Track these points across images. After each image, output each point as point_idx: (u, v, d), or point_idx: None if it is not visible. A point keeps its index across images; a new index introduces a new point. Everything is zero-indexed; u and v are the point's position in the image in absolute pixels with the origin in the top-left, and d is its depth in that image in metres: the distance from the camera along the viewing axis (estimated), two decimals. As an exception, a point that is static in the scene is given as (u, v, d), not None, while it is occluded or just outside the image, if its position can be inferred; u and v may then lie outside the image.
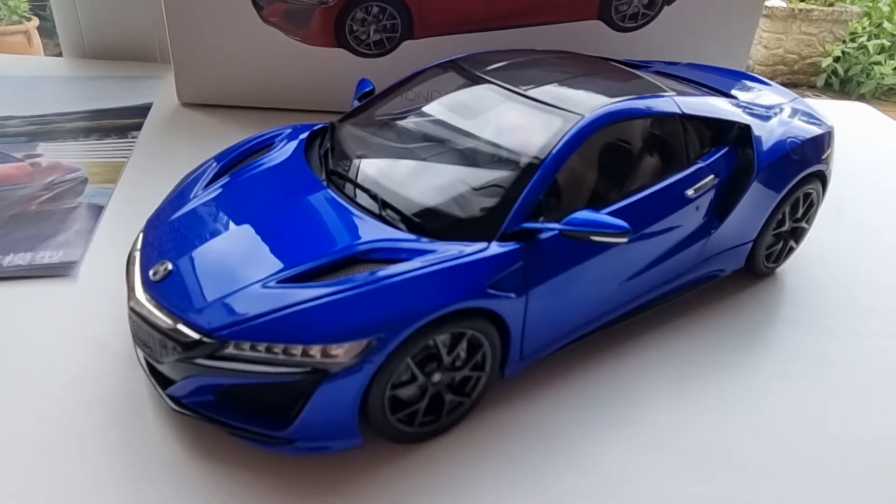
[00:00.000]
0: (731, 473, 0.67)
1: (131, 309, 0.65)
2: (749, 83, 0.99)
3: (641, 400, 0.74)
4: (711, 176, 0.80)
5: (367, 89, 0.92)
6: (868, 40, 4.55)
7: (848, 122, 1.45)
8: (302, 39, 1.25)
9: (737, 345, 0.83)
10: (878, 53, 4.53)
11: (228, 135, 1.11)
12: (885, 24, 4.57)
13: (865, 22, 4.64)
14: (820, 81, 4.68)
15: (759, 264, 0.91)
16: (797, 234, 0.94)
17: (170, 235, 0.71)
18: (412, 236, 0.66)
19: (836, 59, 4.62)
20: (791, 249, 0.95)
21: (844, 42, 4.63)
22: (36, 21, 3.33)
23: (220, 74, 1.28)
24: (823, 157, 0.89)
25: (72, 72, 1.45)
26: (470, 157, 0.73)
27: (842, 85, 4.68)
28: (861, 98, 4.51)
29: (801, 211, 0.91)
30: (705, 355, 0.81)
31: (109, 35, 1.51)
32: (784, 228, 0.91)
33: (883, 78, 4.51)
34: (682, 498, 0.64)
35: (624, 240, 0.65)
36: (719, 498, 0.64)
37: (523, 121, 0.74)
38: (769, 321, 0.88)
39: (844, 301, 0.93)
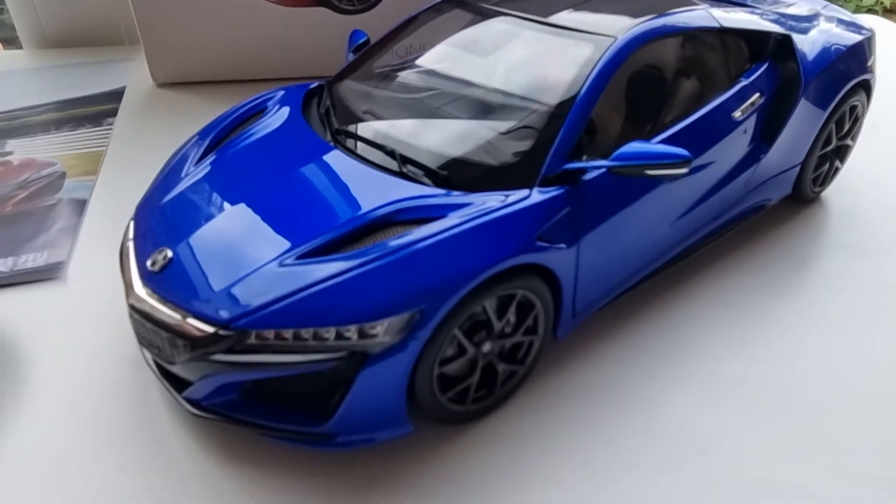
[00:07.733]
0: (810, 417, 0.62)
1: (131, 306, 0.58)
2: (772, -6, 0.91)
3: (700, 347, 0.69)
4: (757, 94, 0.73)
5: (362, 40, 0.84)
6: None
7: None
8: (278, 0, 1.16)
9: (791, 277, 0.78)
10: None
11: (210, 112, 1.02)
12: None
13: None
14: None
15: (806, 189, 0.84)
16: (842, 153, 0.87)
17: (165, 220, 0.62)
18: (441, 191, 0.58)
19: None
20: (836, 170, 0.88)
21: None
22: (-9, 25, 3.19)
23: (194, 49, 1.19)
24: (868, 64, 0.82)
25: (34, 63, 1.35)
26: (494, 99, 0.65)
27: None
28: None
29: (846, 126, 0.84)
30: (759, 293, 0.76)
31: (70, 21, 1.40)
32: (830, 147, 0.84)
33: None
34: (767, 447, 0.60)
35: (685, 170, 0.58)
36: (805, 443, 0.60)
37: (549, 50, 0.66)
38: (820, 249, 0.82)
39: (891, 220, 0.87)
